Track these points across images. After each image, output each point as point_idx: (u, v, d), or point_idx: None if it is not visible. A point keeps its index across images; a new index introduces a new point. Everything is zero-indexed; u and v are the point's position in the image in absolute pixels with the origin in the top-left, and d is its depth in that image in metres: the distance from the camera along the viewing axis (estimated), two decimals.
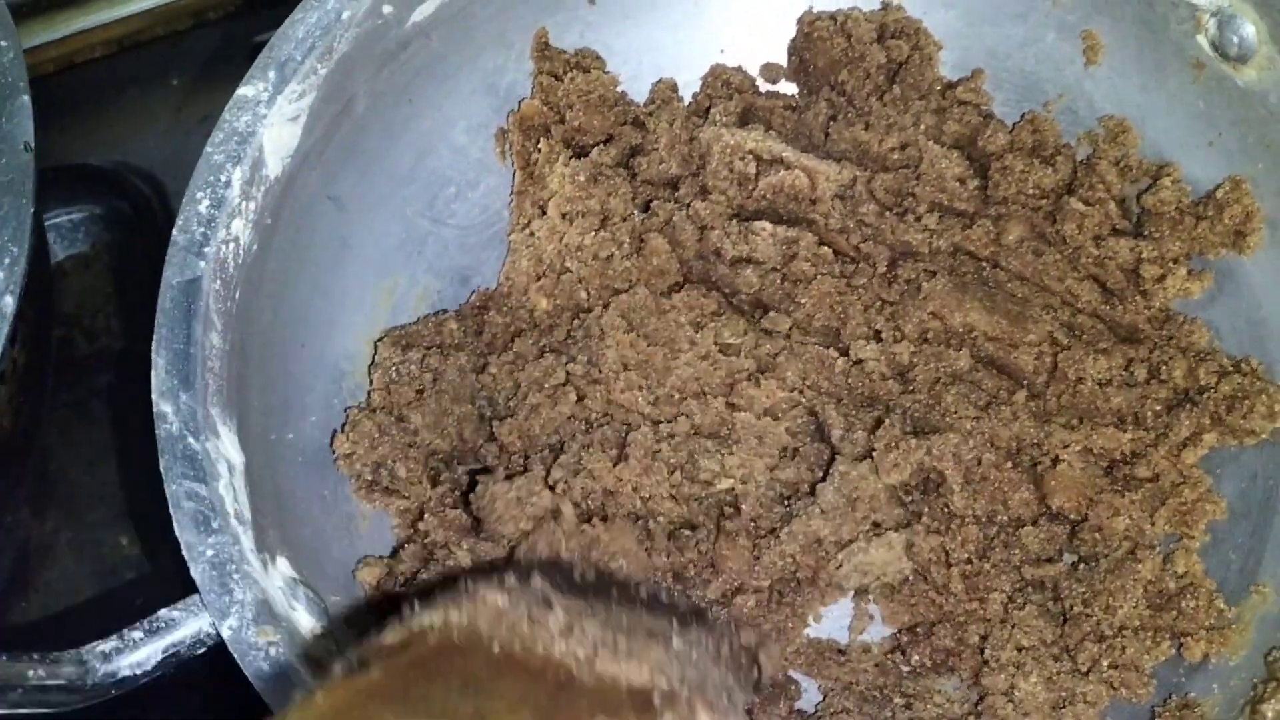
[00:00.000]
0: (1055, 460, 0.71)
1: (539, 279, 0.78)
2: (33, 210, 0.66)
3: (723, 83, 0.84)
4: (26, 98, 0.68)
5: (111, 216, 0.95)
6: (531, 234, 0.79)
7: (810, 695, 0.71)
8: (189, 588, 0.57)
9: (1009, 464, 0.71)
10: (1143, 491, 0.71)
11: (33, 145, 0.67)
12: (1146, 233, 0.75)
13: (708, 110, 0.82)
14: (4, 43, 0.70)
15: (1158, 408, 0.72)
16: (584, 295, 0.77)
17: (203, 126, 0.68)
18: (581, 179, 0.77)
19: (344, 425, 0.73)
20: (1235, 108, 0.73)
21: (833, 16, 0.83)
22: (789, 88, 0.86)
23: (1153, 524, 0.70)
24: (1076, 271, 0.76)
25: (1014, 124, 0.81)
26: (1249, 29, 0.71)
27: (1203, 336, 0.74)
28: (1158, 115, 0.77)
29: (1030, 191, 0.77)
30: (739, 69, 0.85)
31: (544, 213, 0.79)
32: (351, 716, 0.43)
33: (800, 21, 0.84)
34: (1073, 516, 0.71)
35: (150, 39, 1.01)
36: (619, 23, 0.83)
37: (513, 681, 0.45)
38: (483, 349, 0.77)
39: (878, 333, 0.74)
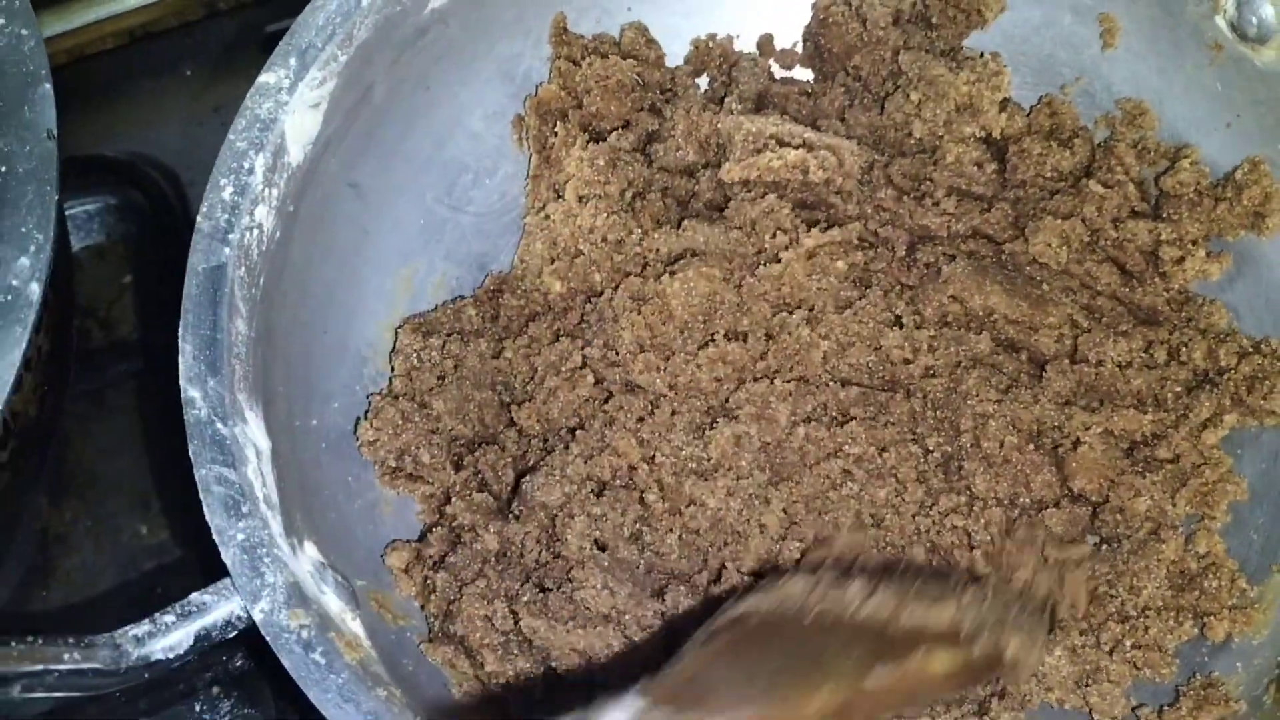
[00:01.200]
0: (1076, 442, 0.71)
1: (553, 262, 0.78)
2: (56, 198, 0.66)
3: (734, 66, 0.84)
4: (48, 86, 0.68)
5: (126, 207, 0.95)
6: (547, 217, 0.79)
7: None
8: (212, 573, 0.57)
9: (1031, 446, 0.71)
10: (1163, 473, 0.71)
11: (55, 133, 0.67)
12: (1165, 215, 0.76)
13: (723, 99, 0.82)
14: (25, 31, 0.70)
15: (1178, 389, 0.72)
16: (597, 278, 0.77)
17: (217, 117, 0.68)
18: (601, 163, 0.77)
19: (367, 412, 0.73)
20: (1254, 89, 0.73)
21: (848, 1, 0.83)
22: (803, 74, 0.86)
23: (1174, 505, 0.70)
24: (1095, 254, 0.76)
25: (1031, 107, 0.81)
26: (1268, 9, 0.71)
27: (1222, 318, 0.74)
28: (1175, 98, 0.77)
29: (1048, 174, 0.77)
30: (753, 56, 0.85)
31: (560, 196, 0.79)
32: (719, 662, 0.49)
33: (815, 6, 0.84)
34: (1094, 498, 0.71)
35: (163, 30, 1.01)
36: (635, 8, 0.83)
37: (832, 637, 0.51)
38: (499, 333, 0.78)
39: (898, 318, 0.74)
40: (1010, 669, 0.54)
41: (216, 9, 1.02)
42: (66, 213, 0.92)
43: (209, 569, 0.59)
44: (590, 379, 0.74)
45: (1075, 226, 0.74)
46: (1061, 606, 0.66)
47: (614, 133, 0.79)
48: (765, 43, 0.85)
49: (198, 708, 0.79)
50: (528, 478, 0.71)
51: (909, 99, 0.79)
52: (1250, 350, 0.72)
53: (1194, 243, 0.74)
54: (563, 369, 0.74)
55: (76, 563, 0.85)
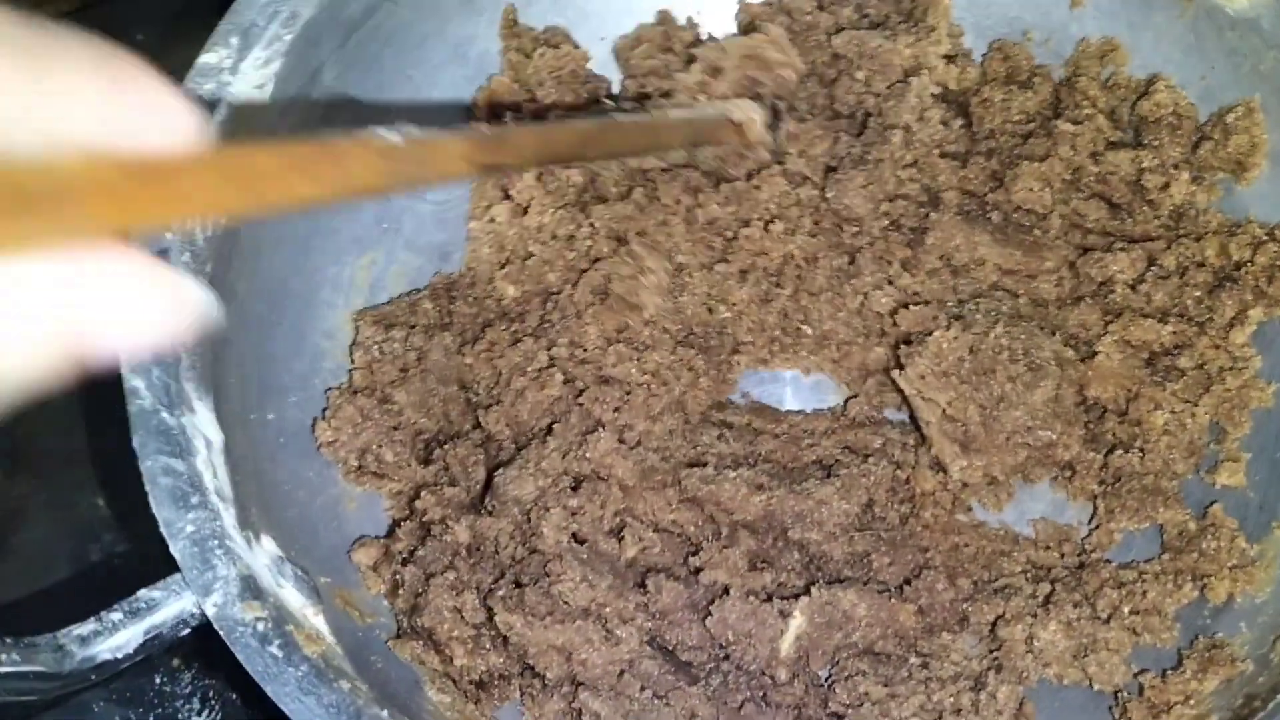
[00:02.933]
0: (1093, 353, 0.69)
1: (503, 266, 0.76)
2: None
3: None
4: None
5: None
6: (492, 220, 0.77)
7: None
8: (169, 566, 0.54)
9: None
10: (1184, 381, 0.69)
11: None
12: (1145, 142, 0.74)
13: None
14: None
15: (1198, 293, 0.70)
16: (551, 278, 0.74)
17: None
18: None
19: (325, 410, 0.70)
20: (1227, 38, 0.71)
21: (767, 2, 0.81)
22: None
23: (1194, 416, 0.68)
24: (1080, 192, 0.74)
25: (983, 56, 0.79)
26: None
27: (1222, 226, 0.72)
28: (1147, 53, 0.75)
29: (1015, 118, 0.75)
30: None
31: (506, 197, 0.77)
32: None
33: (738, 15, 0.82)
34: (1112, 407, 0.69)
35: None
36: None
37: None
38: (457, 334, 0.75)
39: (889, 280, 0.72)
40: (739, 130, 0.63)
41: None
42: None
43: (166, 556, 0.55)
44: (559, 377, 0.71)
45: (1054, 166, 0.72)
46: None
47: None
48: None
49: (158, 680, 0.77)
50: (500, 472, 0.68)
51: (855, 79, 0.76)
52: (1265, 239, 0.69)
53: (1175, 166, 0.72)
54: (529, 369, 0.72)
55: (32, 536, 0.82)
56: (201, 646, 0.73)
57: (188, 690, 0.77)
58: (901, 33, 0.76)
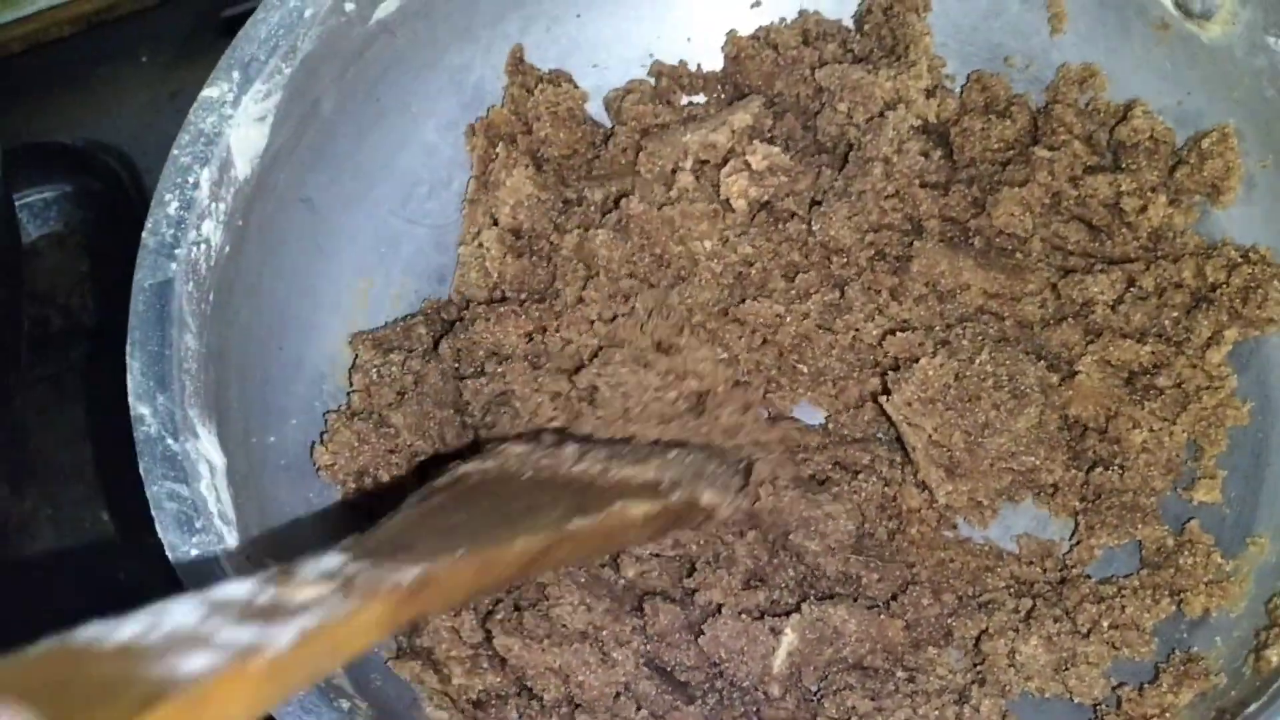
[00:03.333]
0: (1074, 373, 0.71)
1: (490, 292, 0.78)
2: None
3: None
4: None
5: (83, 194, 0.94)
6: (480, 245, 0.78)
7: None
8: (175, 583, 0.56)
9: None
10: (1162, 399, 0.70)
11: None
12: (1124, 166, 0.75)
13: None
14: None
15: (1175, 314, 0.72)
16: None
17: (173, 103, 0.67)
18: (530, 189, 0.77)
19: (324, 433, 0.72)
20: (1202, 66, 0.73)
21: (754, 35, 0.83)
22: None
23: (1172, 434, 0.70)
24: (1060, 215, 0.75)
25: (961, 88, 0.81)
26: None
27: (1199, 244, 0.73)
28: (1125, 78, 0.77)
29: (995, 146, 0.77)
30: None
31: (496, 223, 0.78)
32: (426, 520, 0.52)
33: (725, 47, 0.84)
34: (1092, 426, 0.71)
35: (119, 16, 0.99)
36: (585, 15, 0.83)
37: (545, 490, 0.56)
38: (452, 361, 0.77)
39: (879, 312, 0.74)
40: (707, 513, 0.60)
41: None
42: (22, 201, 0.92)
43: (171, 572, 0.57)
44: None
45: (1033, 191, 0.74)
46: (759, 467, 0.71)
47: (554, 160, 0.80)
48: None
49: None
50: None
51: (838, 110, 0.78)
52: (1239, 260, 0.71)
53: (1153, 190, 0.73)
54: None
55: (39, 550, 0.84)
56: None
57: None
58: (883, 66, 0.77)
